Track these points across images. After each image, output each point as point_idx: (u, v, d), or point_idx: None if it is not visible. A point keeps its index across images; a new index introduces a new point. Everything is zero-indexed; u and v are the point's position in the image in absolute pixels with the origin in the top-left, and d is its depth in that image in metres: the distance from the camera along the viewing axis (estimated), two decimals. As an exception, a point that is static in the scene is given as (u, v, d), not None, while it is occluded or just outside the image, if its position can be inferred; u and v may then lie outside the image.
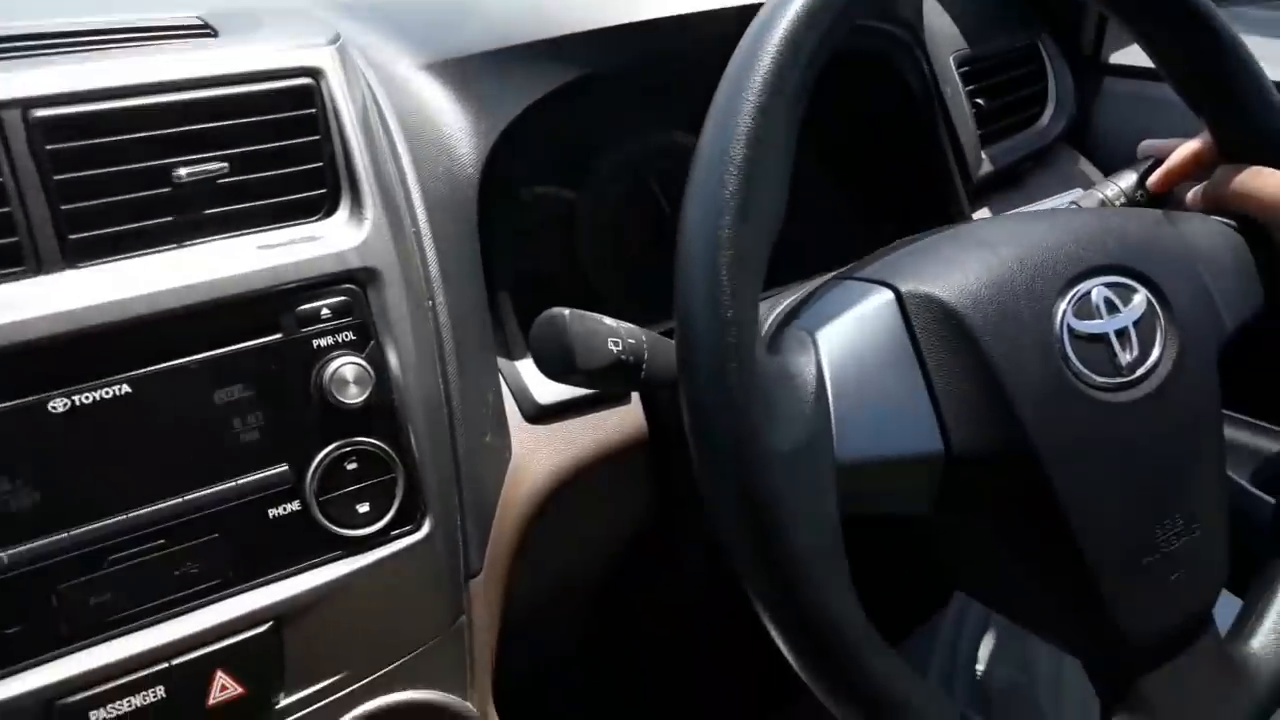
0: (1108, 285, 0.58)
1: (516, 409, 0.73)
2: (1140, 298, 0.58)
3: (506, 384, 0.74)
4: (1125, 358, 0.57)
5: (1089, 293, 0.57)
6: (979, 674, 0.88)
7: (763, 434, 0.48)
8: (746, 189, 0.48)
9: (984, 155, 0.99)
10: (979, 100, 1.00)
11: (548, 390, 0.73)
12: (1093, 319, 0.57)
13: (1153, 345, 0.58)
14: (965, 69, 1.00)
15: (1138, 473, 0.57)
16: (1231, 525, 0.61)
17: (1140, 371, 0.57)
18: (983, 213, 0.99)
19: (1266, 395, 0.68)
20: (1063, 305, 0.56)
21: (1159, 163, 0.75)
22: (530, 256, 0.90)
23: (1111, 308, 0.57)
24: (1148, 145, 0.78)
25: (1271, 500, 0.80)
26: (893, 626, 0.97)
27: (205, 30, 0.68)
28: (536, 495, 0.71)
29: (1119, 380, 0.56)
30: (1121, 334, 0.57)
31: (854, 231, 1.00)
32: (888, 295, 0.55)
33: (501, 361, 0.74)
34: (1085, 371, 0.56)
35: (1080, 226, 0.60)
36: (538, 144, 0.78)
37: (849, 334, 0.54)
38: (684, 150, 0.96)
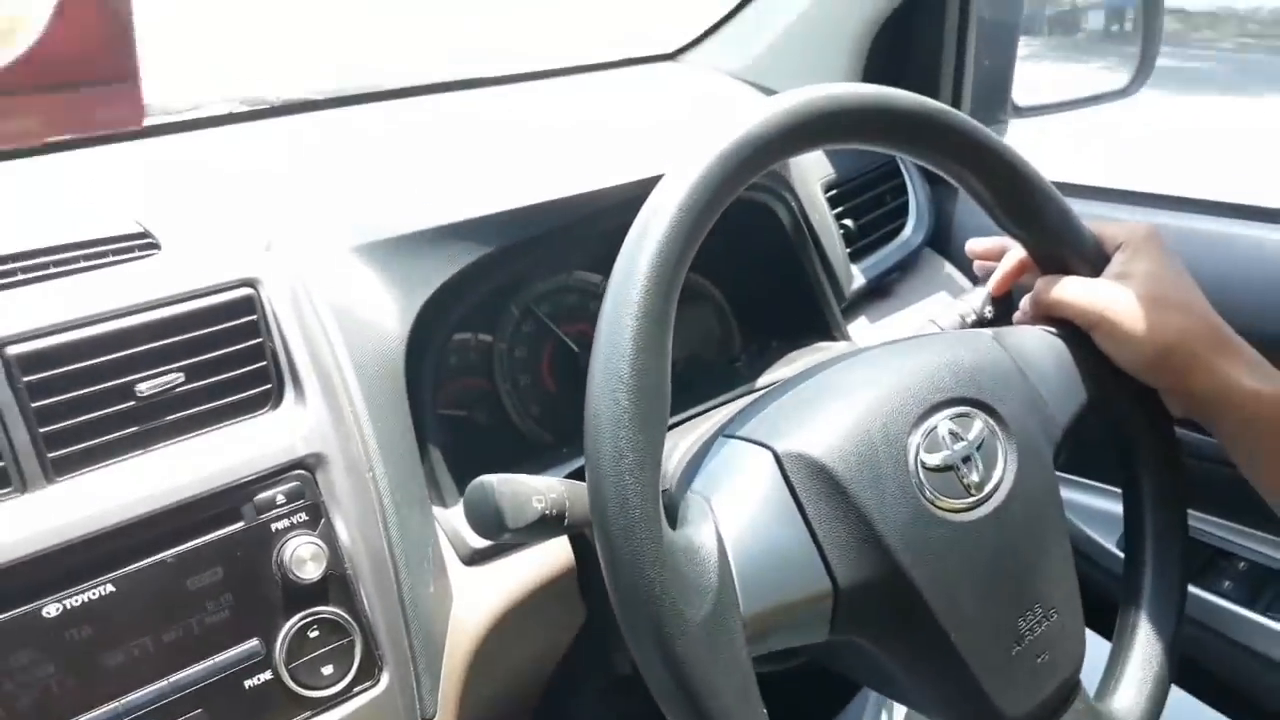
0: (950, 418, 0.67)
1: (454, 553, 0.81)
2: (979, 424, 0.68)
3: (443, 531, 0.82)
4: (972, 478, 0.66)
5: (935, 427, 0.67)
6: None
7: (679, 609, 0.57)
8: (639, 399, 0.58)
9: (855, 270, 1.11)
10: (846, 221, 1.11)
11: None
12: (940, 450, 0.66)
13: (995, 464, 0.68)
14: (832, 193, 1.11)
15: (997, 577, 0.66)
16: (1102, 583, 0.71)
17: (987, 489, 0.67)
18: (858, 323, 1.10)
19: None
20: (914, 442, 0.66)
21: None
22: (454, 400, 0.98)
23: (956, 437, 0.67)
24: (973, 245, 0.88)
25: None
26: (824, 707, 1.07)
27: (148, 241, 0.76)
28: (479, 633, 0.79)
29: (969, 500, 0.66)
30: (967, 460, 0.67)
31: (744, 345, 1.11)
32: (767, 457, 0.65)
33: (436, 511, 0.82)
34: (939, 497, 0.65)
35: (924, 364, 0.70)
36: (454, 304, 0.87)
37: (739, 497, 0.63)
38: (584, 288, 1.06)
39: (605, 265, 1.04)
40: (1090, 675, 0.72)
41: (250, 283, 0.73)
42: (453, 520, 0.83)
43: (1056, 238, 0.77)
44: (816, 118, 0.66)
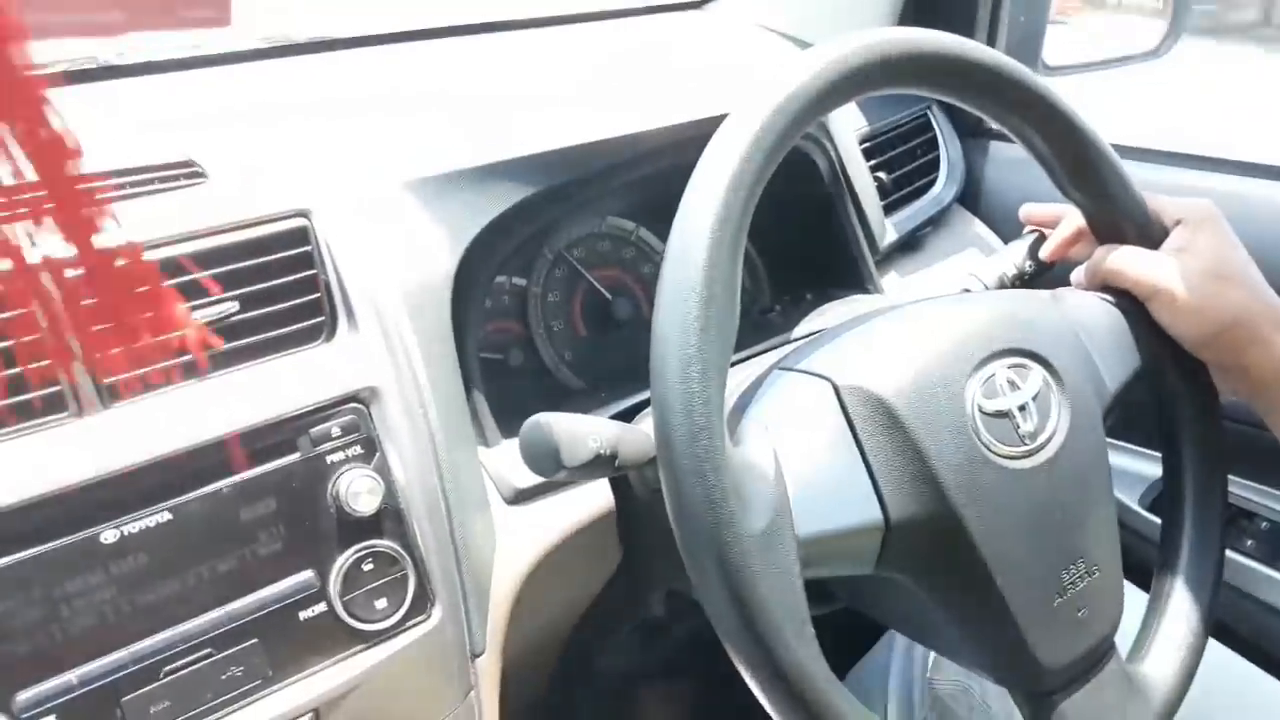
0: (1009, 366, 0.68)
1: (497, 494, 0.82)
2: (1036, 375, 0.69)
3: (487, 472, 0.82)
4: (1027, 428, 0.67)
5: (993, 374, 0.67)
6: (932, 681, 1.00)
7: (737, 520, 0.57)
8: (708, 306, 0.58)
9: (888, 223, 1.11)
10: (880, 174, 1.12)
11: (524, 474, 0.82)
12: (998, 397, 0.67)
13: (1049, 416, 0.68)
14: (865, 144, 1.11)
15: (1044, 527, 0.67)
16: (1126, 544, 0.72)
17: (1040, 440, 0.67)
18: (890, 277, 1.11)
19: (1148, 426, 0.80)
20: (972, 387, 0.67)
21: (1043, 237, 0.87)
22: (490, 343, 0.99)
23: (1013, 386, 0.68)
24: (1028, 210, 0.88)
25: (1156, 520, 0.92)
26: (849, 650, 1.08)
27: (194, 170, 0.76)
28: (523, 572, 0.80)
29: (1023, 449, 0.67)
30: (1023, 409, 0.67)
31: (779, 301, 1.11)
32: (827, 388, 0.65)
33: (481, 451, 0.83)
34: (994, 443, 0.66)
35: (984, 313, 0.70)
36: (498, 244, 0.88)
37: (797, 424, 0.64)
38: (617, 234, 1.07)
39: (638, 212, 1.06)
40: (1121, 638, 0.73)
41: (304, 213, 0.73)
42: (495, 460, 0.83)
43: (1118, 207, 0.77)
44: (899, 57, 0.66)
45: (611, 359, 1.03)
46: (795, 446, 0.63)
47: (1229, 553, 1.05)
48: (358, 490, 0.69)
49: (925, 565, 0.66)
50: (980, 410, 0.66)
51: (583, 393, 0.99)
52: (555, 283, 1.03)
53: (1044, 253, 0.86)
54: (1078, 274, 0.82)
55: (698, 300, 0.58)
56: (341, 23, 1.14)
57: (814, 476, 0.63)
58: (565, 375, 1.02)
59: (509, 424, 0.85)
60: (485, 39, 1.22)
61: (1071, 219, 0.83)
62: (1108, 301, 0.77)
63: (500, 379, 0.97)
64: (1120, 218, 0.78)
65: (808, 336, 0.98)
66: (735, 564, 0.57)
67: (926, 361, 0.67)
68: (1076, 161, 0.76)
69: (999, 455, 0.66)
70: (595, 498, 0.85)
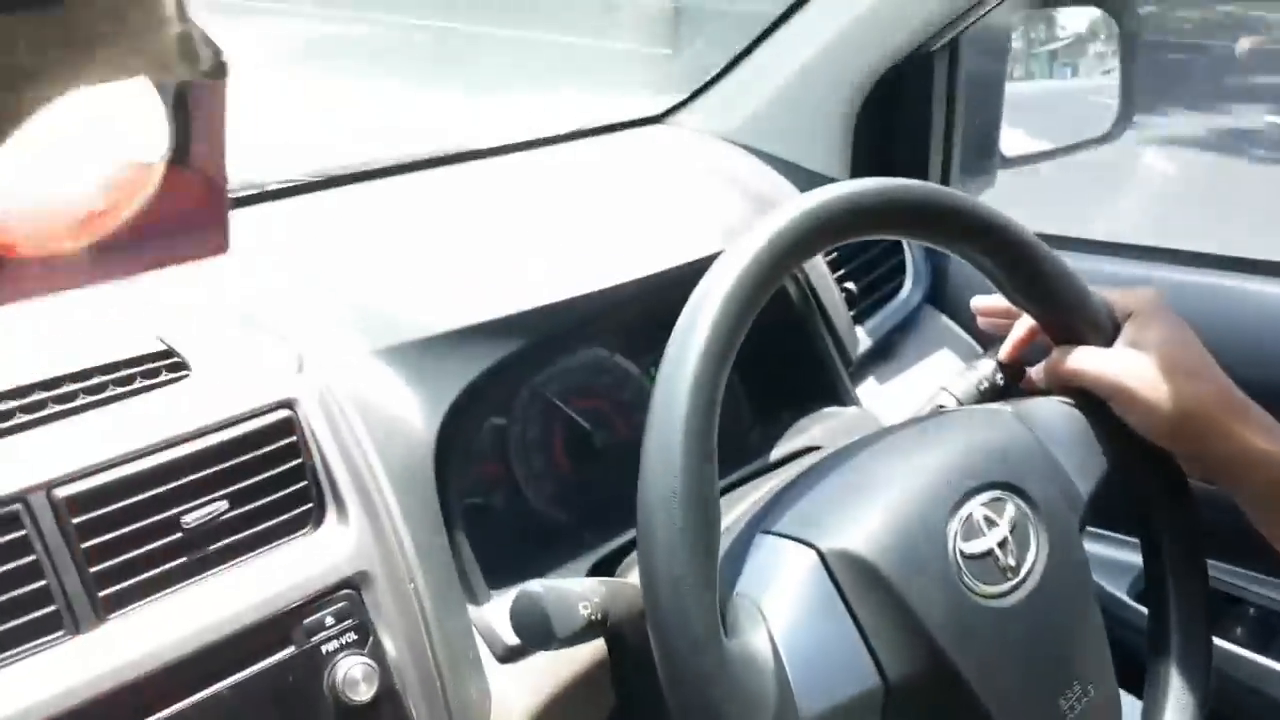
0: (984, 503, 0.70)
1: (488, 651, 0.82)
2: (1011, 507, 0.71)
3: (477, 631, 0.83)
4: (1009, 562, 0.69)
5: (970, 514, 0.69)
6: None
7: None
8: (693, 513, 0.60)
9: (859, 332, 1.14)
10: (848, 285, 1.14)
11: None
12: (977, 538, 0.69)
13: (1028, 546, 0.70)
14: (831, 256, 1.14)
15: (1036, 659, 0.69)
16: (1119, 636, 0.74)
17: (1022, 572, 0.69)
18: (865, 385, 1.13)
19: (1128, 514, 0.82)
20: (952, 530, 0.68)
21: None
22: (473, 487, 0.99)
23: (990, 523, 0.70)
24: (978, 303, 0.90)
25: (1143, 610, 0.94)
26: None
27: (175, 361, 0.77)
28: (520, 732, 0.81)
29: (1006, 586, 0.69)
30: (1003, 544, 0.69)
31: (754, 416, 1.13)
32: (812, 556, 0.67)
33: (470, 610, 0.83)
34: (978, 585, 0.68)
35: (954, 449, 0.72)
36: (479, 402, 0.89)
37: (787, 598, 0.66)
38: (591, 363, 1.07)
39: (612, 340, 1.07)
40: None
41: (288, 404, 0.75)
42: (485, 618, 0.84)
43: (1069, 311, 0.80)
44: (841, 213, 0.70)
45: (596, 491, 1.03)
46: (789, 623, 0.65)
47: (1221, 642, 1.07)
48: (355, 678, 0.70)
49: (929, 717, 0.68)
50: (962, 554, 0.68)
51: (569, 533, 1.00)
52: (534, 418, 1.04)
53: (1001, 354, 0.88)
54: (1037, 371, 0.84)
55: (681, 510, 0.60)
56: (274, 167, 1.10)
57: (811, 653, 0.64)
58: (550, 514, 1.03)
59: (496, 574, 0.86)
60: (443, 172, 1.21)
61: (1025, 321, 0.86)
62: (1068, 404, 0.80)
63: (484, 525, 0.96)
64: (1073, 320, 0.80)
65: (780, 462, 1.00)
66: None
67: (906, 513, 0.69)
68: (1028, 276, 0.78)
69: (984, 597, 0.68)
70: (588, 648, 0.85)
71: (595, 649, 0.85)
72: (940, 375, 0.92)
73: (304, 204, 1.12)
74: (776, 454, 1.03)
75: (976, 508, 0.70)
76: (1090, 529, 1.07)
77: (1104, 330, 0.80)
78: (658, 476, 0.61)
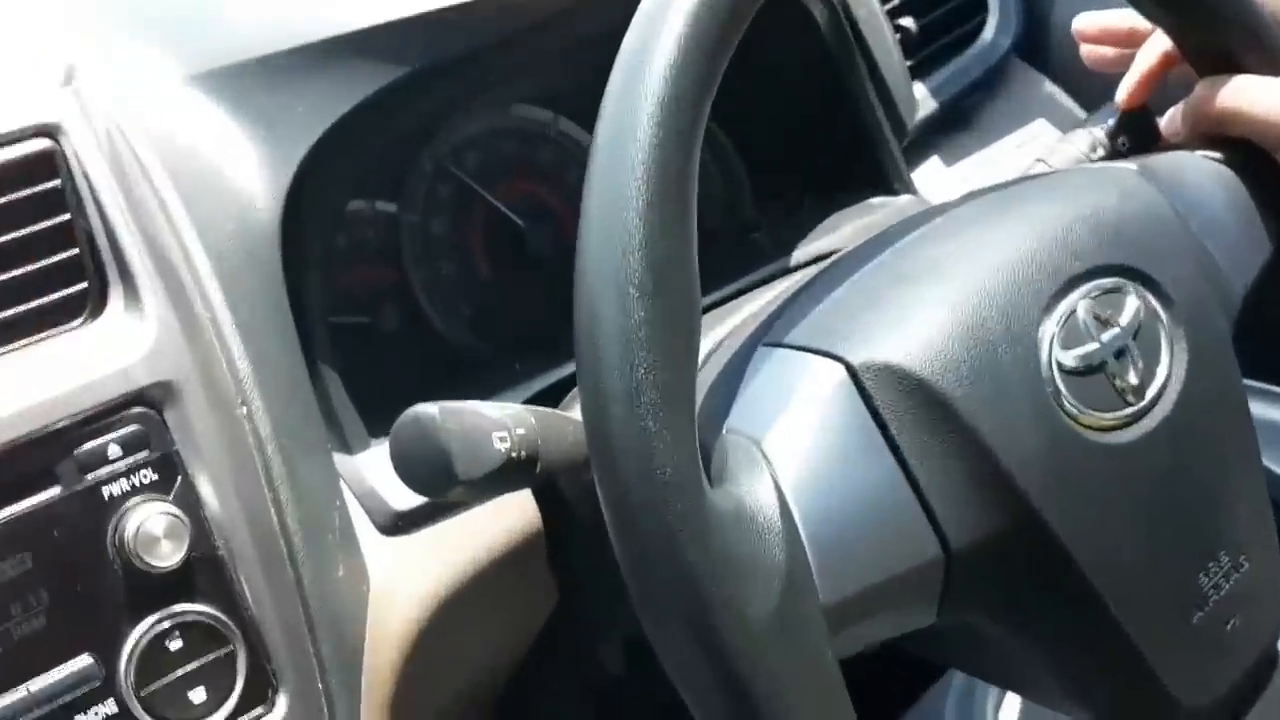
0: (1094, 296, 0.67)
1: (368, 520, 0.80)
2: (1135, 301, 0.68)
3: (350, 490, 0.80)
4: (1130, 380, 0.66)
5: (1073, 311, 0.66)
6: None
7: (735, 604, 0.54)
8: (660, 301, 0.54)
9: (919, 90, 1.10)
10: (904, 21, 1.10)
11: (405, 492, 0.79)
12: (1083, 344, 0.65)
13: (1159, 357, 0.67)
14: (881, -21, 1.10)
15: (1169, 518, 0.67)
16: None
17: (1150, 394, 0.66)
18: (926, 167, 1.10)
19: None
20: (1046, 334, 0.65)
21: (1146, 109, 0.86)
22: (350, 299, 0.97)
23: (1103, 324, 0.66)
24: (1081, 23, 0.89)
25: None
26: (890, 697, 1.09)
27: None
28: (410, 629, 0.78)
29: (1127, 413, 0.66)
30: (1121, 354, 0.66)
31: (765, 212, 1.10)
32: (838, 372, 0.63)
33: (340, 460, 0.81)
34: (1086, 411, 0.65)
35: (1049, 221, 0.69)
36: (345, 158, 0.85)
37: (803, 437, 0.62)
38: (529, 129, 1.04)
39: (558, 97, 1.03)
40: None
41: (47, 130, 0.71)
42: (362, 471, 0.81)
43: (1223, 21, 0.77)
44: None
45: (529, 311, 1.01)
46: (803, 470, 0.61)
47: None
48: (152, 534, 0.66)
49: (1005, 599, 0.66)
50: (1060, 368, 0.65)
51: (488, 365, 0.98)
52: (440, 206, 1.01)
53: (1120, 94, 0.86)
54: (1169, 119, 0.83)
55: (640, 296, 0.54)
56: None
57: (835, 510, 0.61)
58: (462, 340, 1.01)
59: (381, 419, 0.82)
60: None
61: (1154, 44, 0.84)
62: (1217, 160, 0.78)
63: (366, 352, 0.95)
64: (1227, 36, 0.78)
65: (805, 265, 0.97)
66: (742, 675, 0.55)
67: (977, 312, 0.65)
68: None
69: (1094, 429, 0.65)
70: (512, 515, 0.83)
71: (526, 520, 0.84)
72: (1034, 153, 0.90)
73: None
74: (796, 260, 1.01)
75: (1082, 302, 0.67)
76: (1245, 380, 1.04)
77: (1273, 52, 0.78)
78: (603, 242, 0.55)
